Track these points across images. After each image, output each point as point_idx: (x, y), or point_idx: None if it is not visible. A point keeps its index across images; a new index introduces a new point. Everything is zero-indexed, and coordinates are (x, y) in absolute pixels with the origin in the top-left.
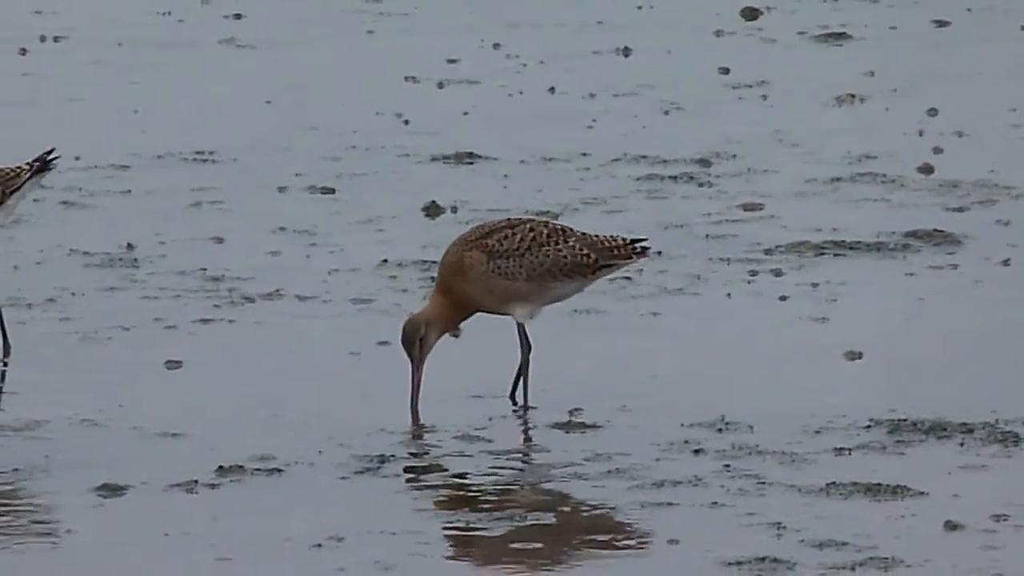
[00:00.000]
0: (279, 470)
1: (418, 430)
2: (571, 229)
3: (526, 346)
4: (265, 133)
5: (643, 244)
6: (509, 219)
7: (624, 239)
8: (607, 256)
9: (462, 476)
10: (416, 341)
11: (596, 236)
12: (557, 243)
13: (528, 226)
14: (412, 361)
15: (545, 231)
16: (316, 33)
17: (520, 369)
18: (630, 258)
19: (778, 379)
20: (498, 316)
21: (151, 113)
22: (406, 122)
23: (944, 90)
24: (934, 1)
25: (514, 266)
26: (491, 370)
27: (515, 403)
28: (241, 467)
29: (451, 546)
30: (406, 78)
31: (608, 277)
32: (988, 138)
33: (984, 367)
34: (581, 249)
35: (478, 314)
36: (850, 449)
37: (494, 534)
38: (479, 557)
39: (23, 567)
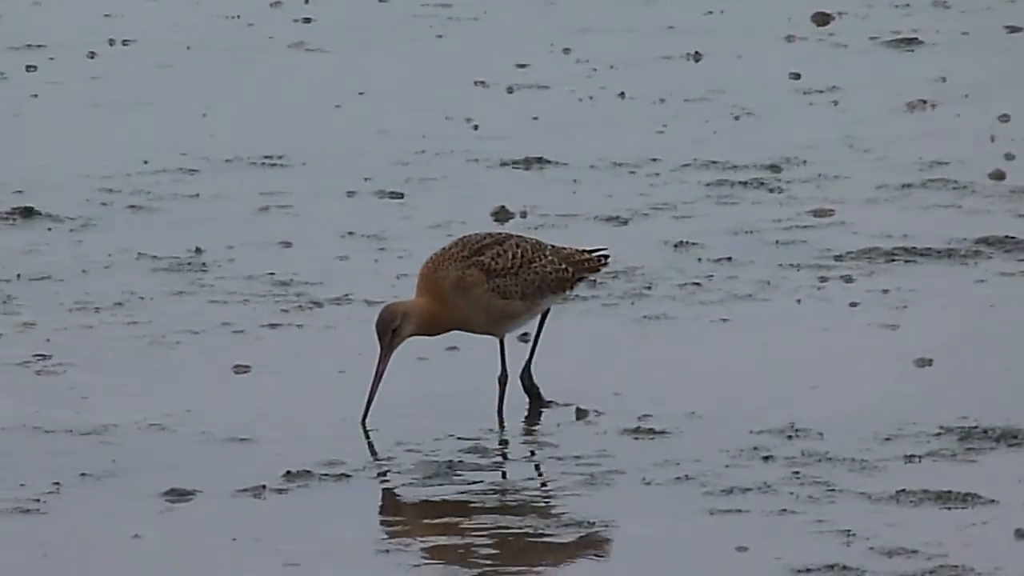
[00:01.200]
0: (347, 475)
1: (368, 425)
2: (540, 241)
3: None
4: (334, 137)
5: (604, 254)
6: (491, 233)
7: (587, 251)
8: (580, 269)
9: (530, 482)
10: (389, 330)
11: (564, 249)
12: (540, 259)
13: (514, 242)
14: (381, 348)
15: (528, 247)
16: (385, 37)
17: (502, 387)
18: (597, 270)
19: (848, 386)
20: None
21: (220, 117)
22: (475, 127)
23: (1016, 96)
24: (1006, 7)
25: (511, 284)
26: (559, 376)
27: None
28: (309, 472)
29: (519, 552)
30: (475, 83)
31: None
32: None
33: None
34: (560, 264)
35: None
36: (920, 456)
37: (561, 540)
38: (547, 563)
39: (90, 572)
